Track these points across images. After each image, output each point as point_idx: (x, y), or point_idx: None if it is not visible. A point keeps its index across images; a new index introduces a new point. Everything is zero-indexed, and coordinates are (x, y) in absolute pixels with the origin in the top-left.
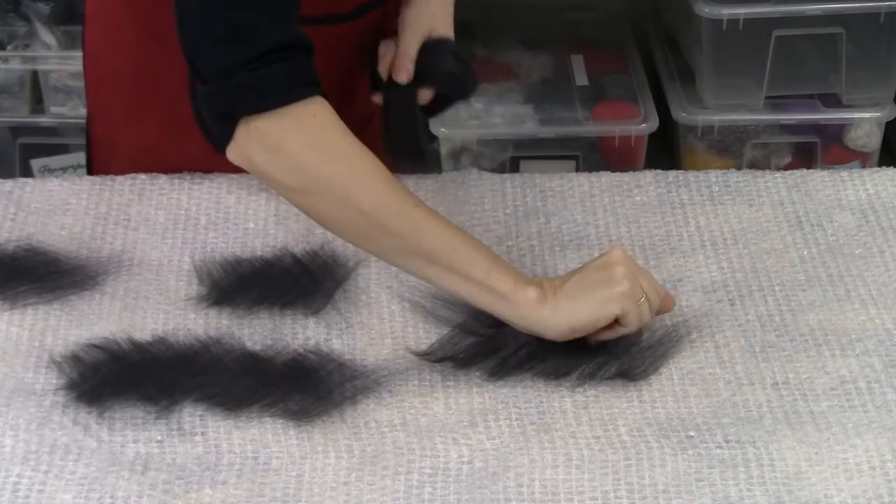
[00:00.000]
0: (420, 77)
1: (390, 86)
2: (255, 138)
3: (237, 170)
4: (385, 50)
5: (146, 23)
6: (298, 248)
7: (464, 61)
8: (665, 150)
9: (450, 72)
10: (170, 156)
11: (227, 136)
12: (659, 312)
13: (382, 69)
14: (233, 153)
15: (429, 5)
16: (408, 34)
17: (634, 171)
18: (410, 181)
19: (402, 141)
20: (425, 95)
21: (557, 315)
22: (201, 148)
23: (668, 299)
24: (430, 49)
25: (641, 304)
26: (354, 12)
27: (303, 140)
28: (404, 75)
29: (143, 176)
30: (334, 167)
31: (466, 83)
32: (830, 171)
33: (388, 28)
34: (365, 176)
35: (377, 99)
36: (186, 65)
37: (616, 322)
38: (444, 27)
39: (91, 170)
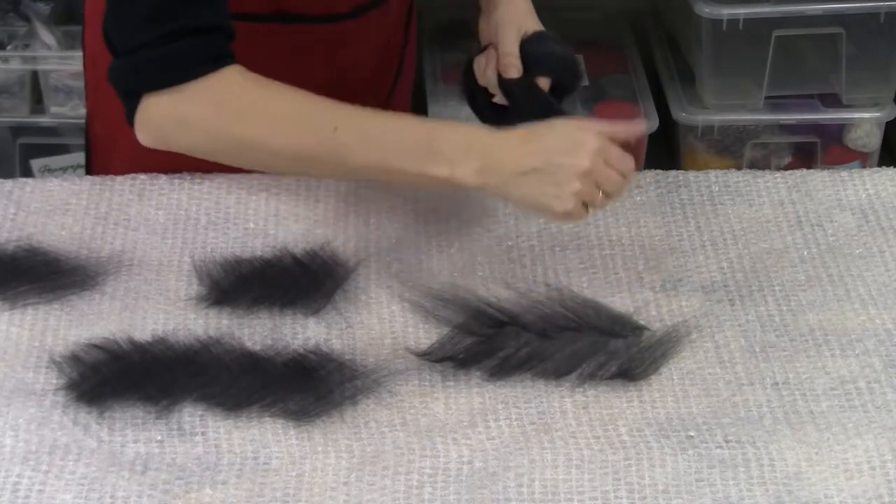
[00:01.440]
0: (531, 70)
1: (507, 84)
2: (159, 112)
3: (237, 169)
4: (482, 65)
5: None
6: (298, 248)
7: (564, 46)
8: (665, 150)
9: (560, 57)
10: (169, 155)
11: (133, 111)
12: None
13: (490, 81)
14: (140, 129)
15: (513, 3)
16: (504, 35)
17: (634, 171)
18: None
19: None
20: (543, 84)
21: (499, 195)
22: None
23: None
24: (532, 42)
25: (596, 201)
26: (353, 11)
27: (206, 109)
28: (514, 70)
29: (143, 176)
30: (243, 127)
31: (576, 69)
32: (830, 171)
33: (392, 31)
34: (276, 126)
35: (499, 99)
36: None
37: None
38: (533, 22)
39: (90, 169)
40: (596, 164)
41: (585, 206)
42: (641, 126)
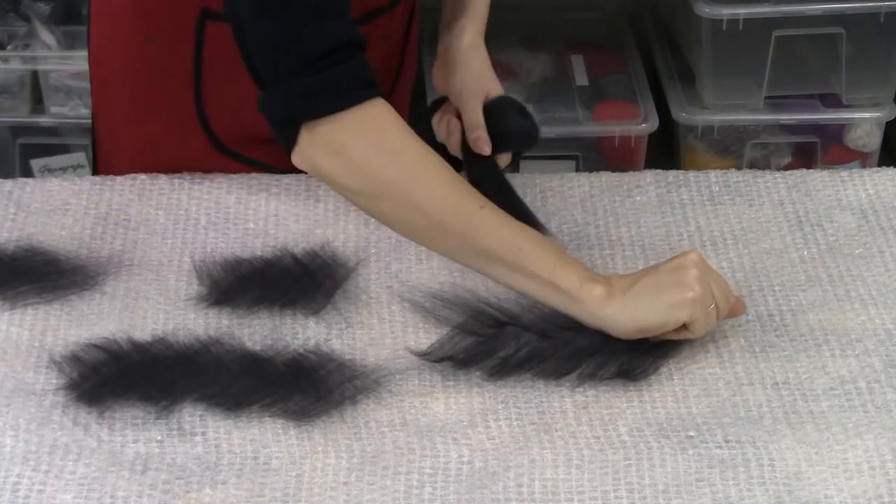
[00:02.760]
0: (495, 145)
1: (473, 162)
2: (318, 143)
3: (237, 169)
4: (442, 126)
5: (150, 20)
6: (298, 248)
7: (527, 113)
8: (665, 150)
9: (520, 130)
10: (171, 154)
11: (291, 141)
12: (728, 317)
13: (453, 146)
14: (297, 158)
15: (473, 67)
16: (469, 103)
17: (634, 171)
18: None
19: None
20: (503, 160)
21: (624, 315)
22: (202, 147)
23: (739, 305)
24: (495, 111)
25: (710, 311)
26: (361, 19)
27: (365, 142)
28: (486, 147)
29: (143, 176)
30: (395, 170)
31: (534, 135)
32: (830, 171)
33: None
34: (426, 177)
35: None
36: (191, 66)
37: (683, 326)
38: (495, 84)
39: (96, 167)
40: (703, 273)
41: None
42: (743, 308)
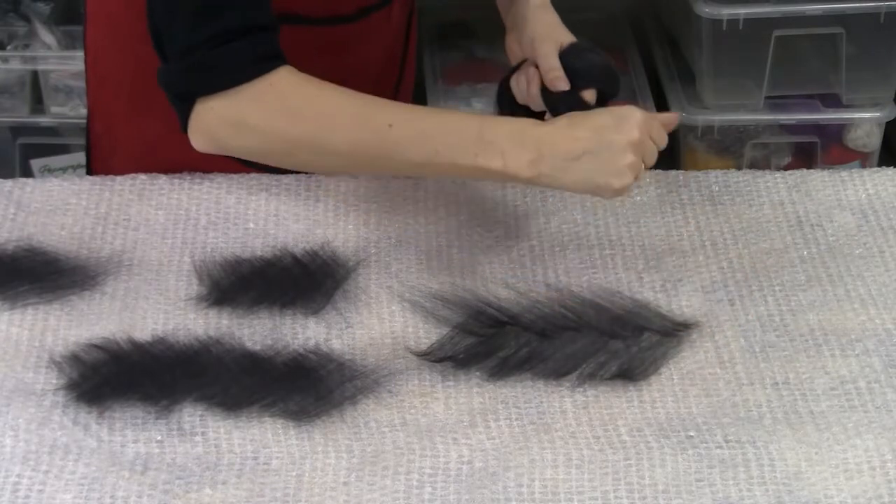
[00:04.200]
0: (575, 83)
1: (554, 99)
2: (214, 116)
3: (237, 169)
4: (521, 83)
5: (146, 21)
6: (298, 248)
7: (602, 53)
8: (665, 150)
9: (601, 67)
10: (169, 154)
11: (186, 115)
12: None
13: (534, 98)
14: (194, 133)
15: (543, 18)
16: (543, 49)
17: None
18: (407, 181)
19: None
20: (589, 96)
21: (552, 184)
22: None
23: (670, 119)
24: (572, 54)
25: (641, 170)
26: (356, 14)
27: (265, 110)
28: (563, 83)
29: (142, 176)
30: (301, 127)
31: (616, 76)
32: (830, 171)
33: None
34: (334, 124)
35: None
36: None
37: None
38: (565, 33)
39: (91, 168)
40: (643, 134)
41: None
42: (675, 117)
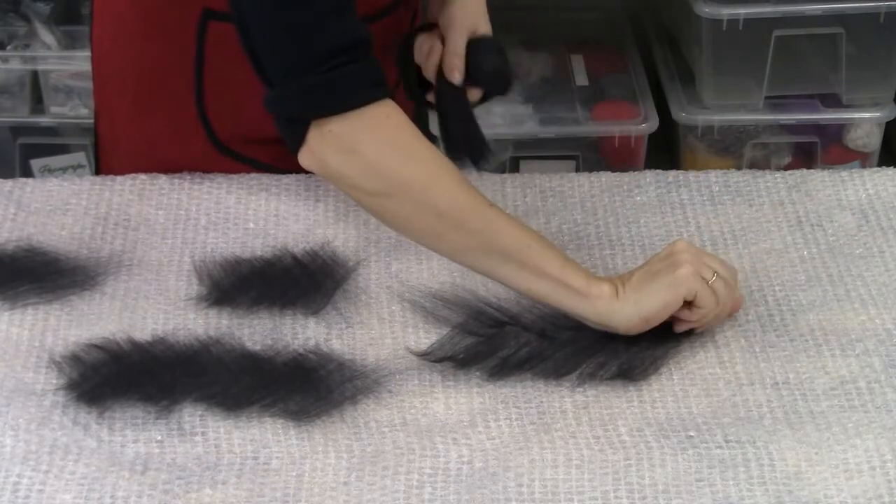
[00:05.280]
0: (469, 76)
1: (443, 86)
2: (329, 141)
3: (239, 170)
4: (424, 47)
5: (152, 20)
6: (298, 248)
7: (505, 58)
8: (665, 150)
9: (495, 69)
10: (172, 154)
11: (299, 139)
12: (734, 309)
13: (429, 68)
14: (305, 156)
15: (469, 3)
16: (455, 32)
17: (634, 171)
18: None
19: (464, 141)
20: (473, 95)
21: (627, 306)
22: (203, 147)
23: (738, 299)
24: (476, 47)
25: (714, 282)
26: (369, 17)
27: (379, 142)
28: (458, 75)
29: (143, 176)
30: (412, 169)
31: (509, 79)
32: (830, 171)
33: (399, 30)
34: (441, 176)
35: (430, 98)
36: (192, 66)
37: (692, 304)
38: (485, 24)
39: (98, 167)
40: (695, 252)
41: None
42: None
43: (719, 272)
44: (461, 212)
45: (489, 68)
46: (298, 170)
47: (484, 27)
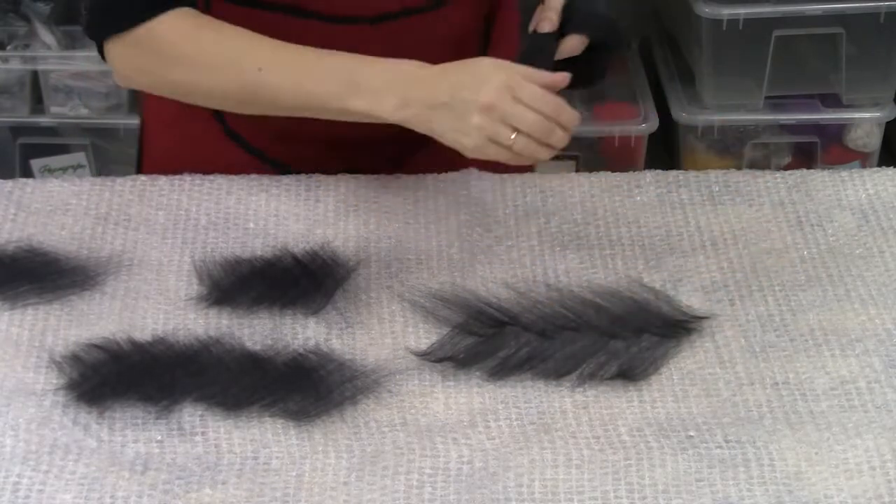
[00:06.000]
0: (567, 26)
1: (530, 37)
2: (118, 59)
3: (237, 171)
4: (534, 19)
5: None
6: (298, 248)
7: (608, 11)
8: (665, 150)
9: (596, 17)
10: (206, 153)
11: (104, 58)
12: (563, 129)
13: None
14: (114, 75)
15: None
16: None
17: (634, 171)
18: (407, 181)
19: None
20: (573, 45)
21: (421, 129)
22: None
23: (564, 115)
24: (577, 1)
25: (514, 143)
26: (384, 16)
27: (151, 55)
28: (547, 24)
29: (143, 177)
30: (178, 74)
31: (613, 31)
32: (830, 171)
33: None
34: (205, 72)
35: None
36: None
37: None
38: None
39: (140, 164)
40: (500, 99)
41: (502, 144)
42: (565, 78)
43: (518, 125)
44: (234, 93)
45: (585, 15)
46: (301, 170)
47: None
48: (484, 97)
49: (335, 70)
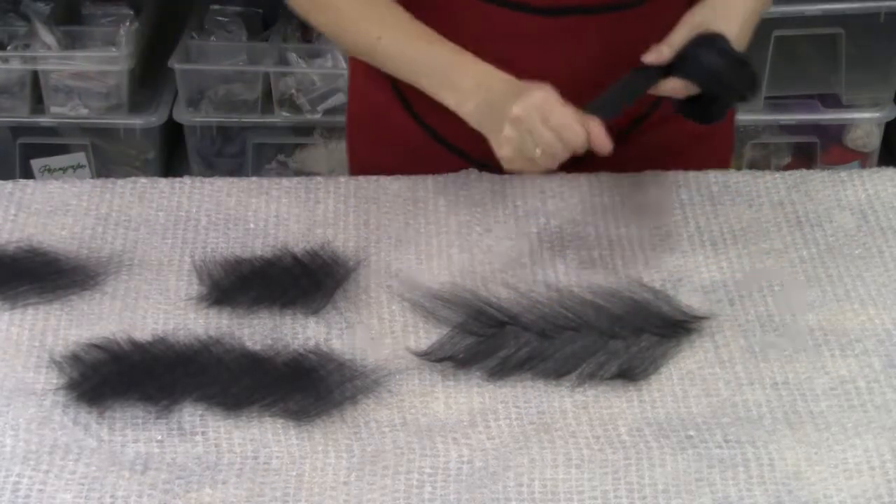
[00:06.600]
0: (675, 68)
1: (633, 70)
2: None
3: (237, 172)
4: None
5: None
6: (298, 248)
7: (735, 59)
8: None
9: (708, 66)
10: (396, 120)
11: None
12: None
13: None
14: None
15: (712, 5)
16: (680, 25)
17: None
18: (407, 181)
19: (599, 103)
20: (674, 87)
21: (472, 123)
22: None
23: (595, 135)
24: (695, 42)
25: (539, 159)
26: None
27: None
28: (653, 55)
29: (143, 179)
30: (320, 19)
31: (729, 82)
32: (830, 171)
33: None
34: (339, 23)
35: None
36: None
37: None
38: (720, 24)
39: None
40: (529, 116)
41: (533, 161)
42: (607, 145)
43: (546, 149)
44: (361, 52)
45: (699, 62)
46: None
47: (717, 26)
48: (515, 109)
49: (437, 61)
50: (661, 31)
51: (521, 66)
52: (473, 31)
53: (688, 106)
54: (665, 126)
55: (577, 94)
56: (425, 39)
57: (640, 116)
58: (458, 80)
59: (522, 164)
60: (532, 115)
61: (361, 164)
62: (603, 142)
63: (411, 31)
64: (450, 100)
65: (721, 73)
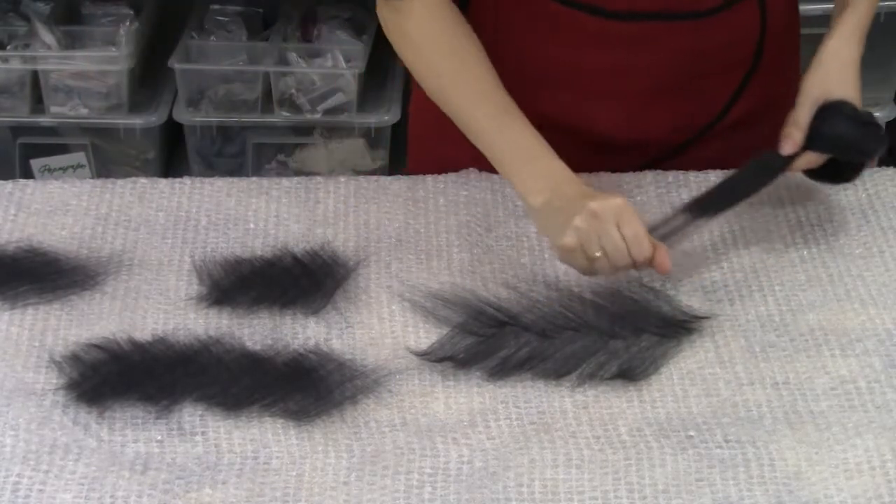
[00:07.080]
0: (809, 143)
1: (765, 154)
2: (383, 19)
3: (237, 172)
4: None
5: None
6: (298, 248)
7: (862, 122)
8: None
9: (839, 137)
10: (443, 151)
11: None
12: (655, 267)
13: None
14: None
15: (823, 66)
16: (801, 102)
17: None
18: (407, 181)
19: (712, 195)
20: (809, 161)
21: (538, 227)
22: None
23: (659, 258)
24: (820, 115)
25: (596, 262)
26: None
27: (395, 29)
28: (789, 146)
29: (143, 179)
30: (412, 59)
31: (862, 146)
32: None
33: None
34: (431, 76)
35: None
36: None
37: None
38: (842, 88)
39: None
40: (605, 215)
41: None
42: (667, 266)
43: (610, 252)
44: (448, 107)
45: (828, 134)
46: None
47: (840, 92)
48: (594, 206)
49: (514, 148)
50: (734, 41)
51: (594, 68)
52: (548, 32)
53: (817, 171)
54: (733, 135)
55: (649, 101)
56: (504, 123)
57: (708, 125)
58: (532, 173)
59: (580, 259)
60: (609, 216)
61: (424, 156)
62: (665, 268)
63: (492, 109)
64: (519, 187)
65: (851, 140)
